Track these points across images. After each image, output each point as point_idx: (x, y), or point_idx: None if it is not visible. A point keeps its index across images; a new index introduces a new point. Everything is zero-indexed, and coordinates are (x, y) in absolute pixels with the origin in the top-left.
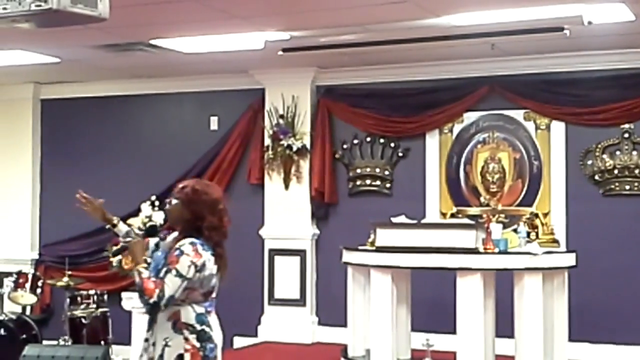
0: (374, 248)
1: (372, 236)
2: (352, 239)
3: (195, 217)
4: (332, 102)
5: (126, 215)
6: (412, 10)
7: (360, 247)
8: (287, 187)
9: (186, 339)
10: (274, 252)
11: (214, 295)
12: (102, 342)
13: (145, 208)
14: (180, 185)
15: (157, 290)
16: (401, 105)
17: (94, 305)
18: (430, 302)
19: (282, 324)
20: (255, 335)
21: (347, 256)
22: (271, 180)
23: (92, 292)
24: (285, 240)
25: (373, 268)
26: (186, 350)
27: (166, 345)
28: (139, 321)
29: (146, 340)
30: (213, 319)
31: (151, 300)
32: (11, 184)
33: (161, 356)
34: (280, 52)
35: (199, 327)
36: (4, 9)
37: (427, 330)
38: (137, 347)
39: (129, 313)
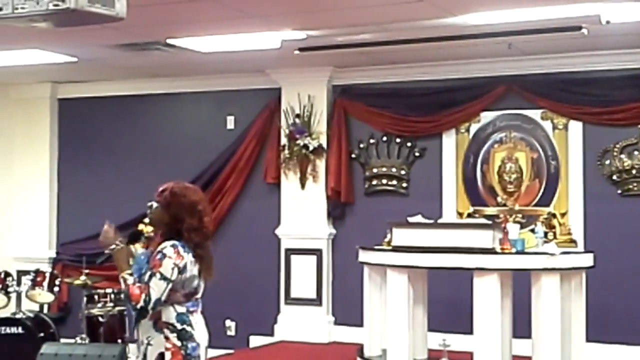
0: (390, 248)
1: (388, 236)
2: (368, 238)
3: (175, 219)
4: (348, 101)
5: (141, 214)
6: (428, 9)
7: (376, 247)
8: (303, 186)
9: (167, 338)
10: (290, 251)
11: (198, 296)
12: (119, 341)
13: None
14: (160, 189)
15: (143, 295)
16: (418, 104)
17: (111, 304)
18: (447, 302)
19: (298, 324)
20: (272, 335)
21: (364, 256)
22: (287, 180)
23: (109, 290)
24: (301, 239)
25: (389, 268)
26: (167, 349)
27: (148, 344)
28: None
29: (136, 340)
30: (196, 318)
31: (138, 306)
32: (29, 182)
33: (145, 355)
34: (297, 52)
35: (179, 327)
36: (22, 8)
37: (443, 330)
38: None
39: None
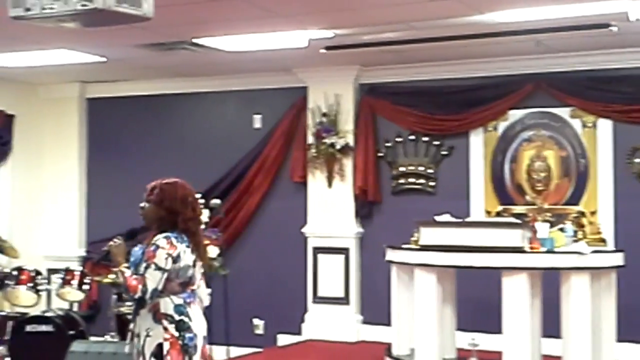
0: (418, 247)
1: (415, 235)
2: (395, 237)
3: (170, 212)
4: (375, 100)
5: None
6: (455, 7)
7: (404, 246)
8: (330, 185)
9: (165, 329)
10: (318, 250)
11: (194, 287)
12: None
13: None
14: (149, 188)
15: (140, 286)
16: (445, 102)
17: None
18: (476, 301)
19: (326, 322)
20: (299, 334)
21: (391, 255)
22: (314, 179)
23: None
24: (328, 238)
25: (417, 267)
26: (165, 340)
27: (147, 335)
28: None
29: (131, 332)
30: (194, 309)
31: (136, 296)
32: (59, 181)
33: (143, 346)
34: (323, 50)
35: (177, 317)
36: (51, 8)
37: (472, 329)
38: None
39: None
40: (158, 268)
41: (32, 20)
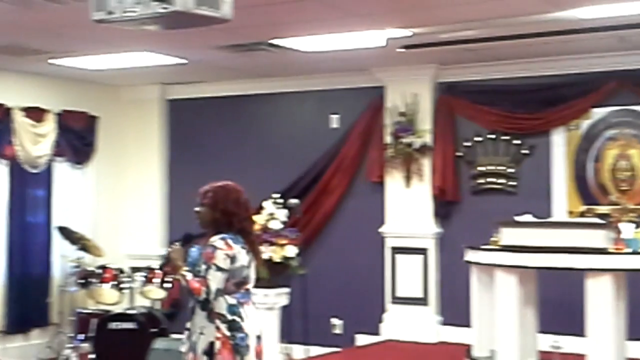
0: (498, 247)
1: (496, 235)
2: (475, 237)
3: (225, 214)
4: (453, 99)
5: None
6: (535, 3)
7: (484, 247)
8: (408, 185)
9: (217, 328)
10: (396, 250)
11: (248, 286)
12: None
13: (268, 206)
14: (202, 192)
15: (203, 288)
16: (525, 101)
17: None
18: (558, 303)
19: (404, 323)
20: (378, 334)
21: (471, 255)
22: (392, 179)
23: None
24: (407, 238)
25: (498, 268)
26: (217, 339)
27: (201, 333)
28: (264, 316)
29: (187, 329)
30: (247, 310)
31: (201, 298)
32: (140, 181)
33: (196, 343)
34: (400, 50)
35: (229, 317)
36: (133, 11)
37: (554, 331)
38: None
39: None
40: (219, 269)
41: (114, 23)
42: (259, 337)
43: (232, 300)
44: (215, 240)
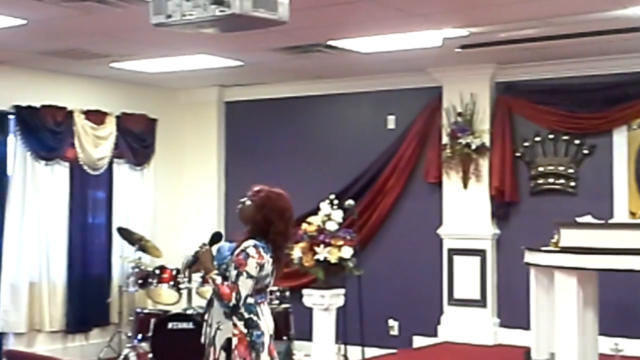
0: (558, 249)
1: (555, 236)
2: (534, 239)
3: (265, 220)
4: (512, 98)
5: (306, 213)
6: (597, 1)
7: (543, 248)
8: (465, 185)
9: (235, 325)
10: (453, 251)
11: (268, 289)
12: (285, 338)
13: (325, 207)
14: (256, 189)
15: (233, 294)
16: (586, 100)
17: (277, 302)
18: (619, 305)
19: (462, 325)
20: (435, 335)
21: (530, 257)
22: (449, 179)
23: (274, 288)
24: (464, 239)
25: (557, 269)
26: (234, 335)
27: (218, 328)
28: (320, 317)
29: (205, 321)
30: (263, 309)
31: (231, 304)
32: (199, 182)
33: (214, 337)
34: (458, 49)
35: (247, 315)
36: (191, 15)
37: (615, 334)
38: (319, 343)
39: (310, 309)
40: (250, 276)
41: (173, 26)
42: (271, 336)
43: (250, 299)
44: (249, 247)
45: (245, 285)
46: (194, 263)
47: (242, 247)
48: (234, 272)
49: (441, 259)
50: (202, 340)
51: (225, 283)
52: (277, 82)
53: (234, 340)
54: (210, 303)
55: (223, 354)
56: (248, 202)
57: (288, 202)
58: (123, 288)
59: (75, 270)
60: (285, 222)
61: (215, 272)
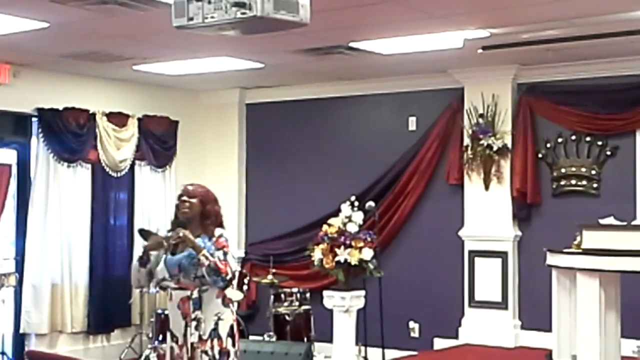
0: (580, 250)
1: (578, 238)
2: (556, 241)
3: (214, 212)
4: (534, 99)
5: (326, 215)
6: (620, 1)
7: (565, 250)
8: (487, 187)
9: (232, 312)
10: (474, 253)
11: None
12: (305, 339)
13: (345, 208)
14: (189, 188)
15: (228, 269)
16: (609, 101)
17: (297, 303)
18: None
19: (483, 327)
20: (456, 337)
21: (552, 259)
22: (471, 181)
23: (295, 289)
24: (485, 241)
25: (579, 271)
26: (234, 321)
27: (219, 319)
28: (340, 319)
29: (197, 319)
30: None
31: (228, 277)
32: (219, 184)
33: (214, 329)
34: (480, 50)
35: (235, 302)
36: (212, 17)
37: (638, 337)
38: (339, 344)
39: (330, 311)
40: (232, 255)
41: (194, 29)
42: None
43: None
44: (222, 234)
45: (232, 262)
46: (175, 247)
47: (217, 234)
48: (219, 253)
49: (462, 261)
50: (194, 339)
51: (217, 260)
52: (298, 84)
53: (234, 326)
54: (201, 301)
55: (230, 340)
56: (193, 201)
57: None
58: (144, 290)
59: (97, 271)
60: (220, 208)
61: (205, 252)
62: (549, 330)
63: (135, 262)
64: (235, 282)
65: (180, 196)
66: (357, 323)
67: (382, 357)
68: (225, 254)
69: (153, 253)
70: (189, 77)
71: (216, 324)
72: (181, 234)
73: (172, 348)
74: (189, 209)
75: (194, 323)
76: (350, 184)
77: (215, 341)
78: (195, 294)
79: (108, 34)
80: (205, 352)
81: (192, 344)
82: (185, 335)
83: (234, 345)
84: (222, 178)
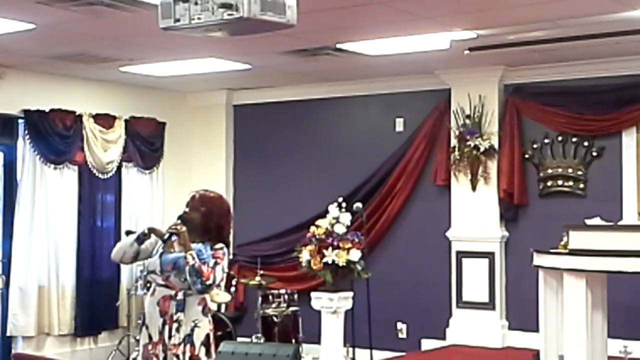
0: (567, 251)
1: (564, 239)
2: (543, 241)
3: (217, 226)
4: (521, 100)
5: (314, 216)
6: (605, 3)
7: (552, 250)
8: (474, 188)
9: (210, 321)
10: (462, 254)
11: None
12: (293, 341)
13: (333, 210)
14: (195, 196)
15: (211, 275)
16: (595, 102)
17: (285, 304)
18: (628, 308)
19: (470, 328)
20: (444, 338)
21: (538, 259)
22: (458, 182)
23: (282, 291)
24: (473, 242)
25: (566, 272)
26: (210, 330)
27: (195, 326)
28: (328, 320)
29: (178, 321)
30: None
31: (208, 282)
32: (207, 186)
33: (189, 335)
34: (467, 52)
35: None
36: (198, 18)
37: (624, 337)
38: (327, 346)
39: (318, 312)
40: (223, 270)
41: (181, 30)
42: None
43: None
44: (223, 247)
45: (219, 275)
46: (170, 237)
47: (217, 247)
48: (212, 261)
49: (450, 262)
50: (175, 341)
51: (204, 265)
52: (285, 85)
53: (210, 335)
54: (184, 305)
55: (203, 349)
56: (193, 215)
57: (228, 202)
58: (132, 291)
59: (84, 273)
60: (230, 222)
61: (193, 252)
62: (536, 330)
63: (131, 236)
64: (222, 283)
65: (186, 203)
66: (345, 324)
67: (370, 358)
68: (216, 263)
69: (152, 240)
70: (176, 78)
71: (192, 330)
72: (179, 227)
73: (145, 345)
74: (187, 220)
75: (175, 325)
76: (337, 185)
77: (188, 347)
78: (180, 296)
79: (95, 36)
80: (177, 356)
81: (169, 344)
82: (161, 333)
83: (207, 354)
84: (209, 180)
